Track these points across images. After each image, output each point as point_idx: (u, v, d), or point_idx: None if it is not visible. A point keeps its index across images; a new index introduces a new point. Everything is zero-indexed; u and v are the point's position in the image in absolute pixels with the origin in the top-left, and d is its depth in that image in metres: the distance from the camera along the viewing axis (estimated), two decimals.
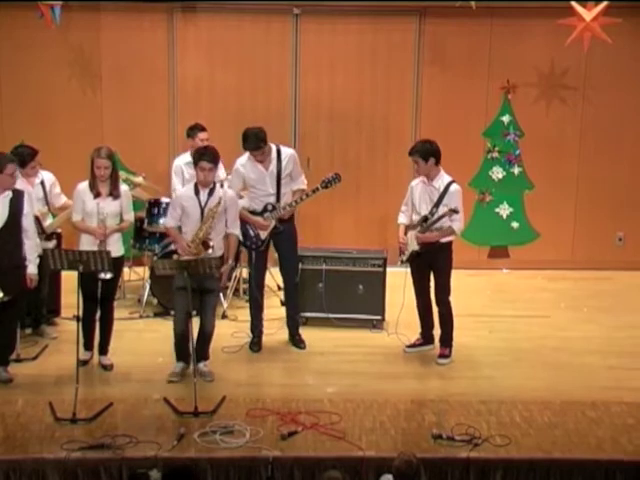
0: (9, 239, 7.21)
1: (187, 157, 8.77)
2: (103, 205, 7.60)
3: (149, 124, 10.37)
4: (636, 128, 10.52)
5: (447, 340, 8.07)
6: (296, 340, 8.38)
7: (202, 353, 7.62)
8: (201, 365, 7.60)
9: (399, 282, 8.16)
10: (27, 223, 7.31)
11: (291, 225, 8.25)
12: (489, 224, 10.71)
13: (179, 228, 7.65)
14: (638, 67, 10.37)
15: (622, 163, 10.58)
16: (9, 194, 7.22)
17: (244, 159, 8.13)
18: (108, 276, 7.35)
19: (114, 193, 7.66)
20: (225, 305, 9.07)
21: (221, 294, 8.66)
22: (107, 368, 7.79)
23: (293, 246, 8.32)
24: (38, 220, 7.81)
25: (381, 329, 8.72)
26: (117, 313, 8.12)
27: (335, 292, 8.74)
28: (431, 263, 7.95)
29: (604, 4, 9.08)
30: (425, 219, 7.83)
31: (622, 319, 9.10)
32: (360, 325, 8.75)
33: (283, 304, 8.81)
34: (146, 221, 9.13)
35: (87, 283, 7.46)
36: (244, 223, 8.10)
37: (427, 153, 7.79)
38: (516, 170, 10.63)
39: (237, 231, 7.76)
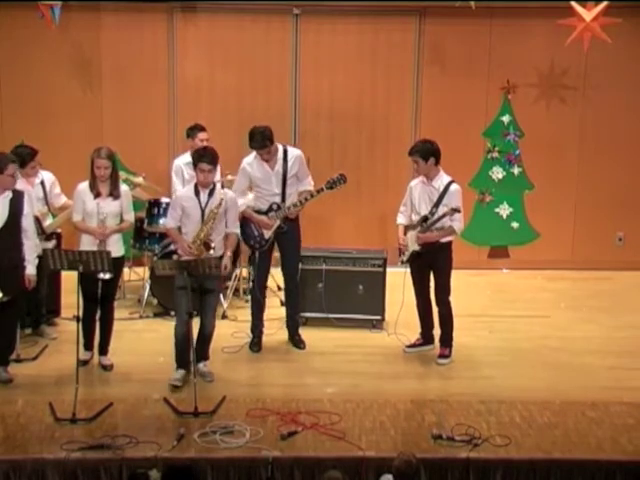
0: (8, 239, 7.21)
1: (187, 157, 8.75)
2: (103, 205, 7.60)
3: (149, 124, 10.37)
4: (636, 128, 10.52)
5: (447, 340, 8.07)
6: (296, 340, 8.38)
7: (202, 353, 7.62)
8: (201, 365, 7.60)
9: (399, 282, 8.16)
10: (27, 223, 7.31)
11: (295, 225, 8.24)
12: (489, 224, 10.71)
13: (179, 229, 7.65)
14: (638, 67, 10.37)
15: (622, 163, 10.58)
16: (9, 194, 7.22)
17: (251, 158, 8.13)
18: (107, 276, 7.35)
19: (114, 193, 7.66)
20: (225, 305, 9.06)
21: (221, 294, 8.66)
22: (107, 368, 7.79)
23: (296, 246, 8.31)
24: (38, 220, 7.81)
25: (381, 329, 8.72)
26: (117, 313, 8.12)
27: (335, 292, 8.74)
28: (431, 263, 7.95)
29: (604, 4, 9.08)
30: (425, 219, 7.83)
31: (622, 319, 9.10)
32: (360, 325, 8.75)
33: (283, 304, 8.81)
34: (146, 221, 9.12)
35: (87, 283, 7.46)
36: (248, 222, 8.12)
37: (427, 153, 7.79)
38: (516, 170, 10.63)
39: (237, 230, 7.76)
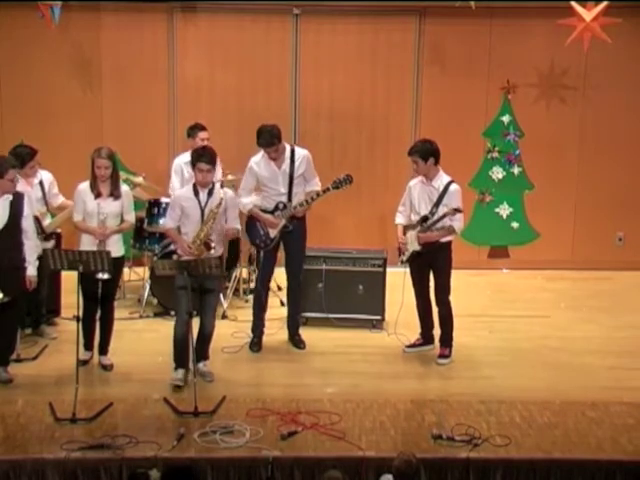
0: (9, 241, 7.21)
1: (187, 156, 8.71)
2: (104, 205, 7.60)
3: (149, 124, 10.37)
4: (636, 128, 10.51)
5: (447, 340, 8.07)
6: (296, 340, 8.37)
7: (202, 353, 7.62)
8: (201, 365, 7.60)
9: (399, 282, 8.15)
10: (27, 224, 7.32)
11: (302, 225, 8.22)
12: (489, 224, 10.71)
13: (178, 229, 7.65)
14: (638, 67, 10.37)
15: (622, 163, 10.58)
16: (9, 196, 7.22)
17: (258, 157, 8.13)
18: (106, 276, 7.33)
19: (115, 193, 7.66)
20: (225, 305, 9.06)
21: (221, 294, 8.66)
22: (107, 368, 7.78)
23: (301, 245, 8.30)
24: (38, 220, 7.81)
25: (381, 329, 8.72)
26: (117, 313, 8.11)
27: (335, 292, 8.74)
28: (431, 263, 7.95)
29: (604, 4, 9.07)
30: (425, 219, 7.83)
31: (622, 319, 9.10)
32: (360, 325, 8.75)
33: (283, 304, 8.81)
34: (146, 221, 9.11)
35: (87, 283, 7.46)
36: (254, 221, 8.12)
37: (427, 153, 7.79)
38: (516, 170, 10.63)
39: (238, 226, 7.76)
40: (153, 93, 10.37)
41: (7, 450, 6.43)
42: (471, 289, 9.77)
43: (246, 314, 8.58)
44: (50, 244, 7.99)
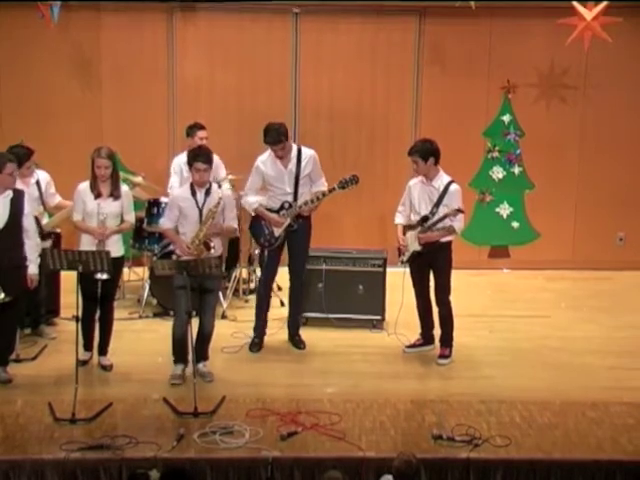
0: (10, 239, 7.20)
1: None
2: (104, 206, 7.59)
3: (149, 124, 10.37)
4: (637, 127, 10.51)
5: (447, 340, 8.06)
6: (296, 340, 8.36)
7: (201, 353, 7.61)
8: (200, 365, 7.59)
9: (399, 282, 8.14)
10: (28, 223, 7.30)
11: (307, 224, 8.20)
12: (489, 224, 10.70)
13: (176, 229, 7.64)
14: (638, 66, 10.36)
15: (623, 162, 10.57)
16: (10, 194, 7.21)
17: (265, 156, 8.12)
18: (105, 276, 7.31)
19: (115, 193, 7.65)
20: (225, 305, 9.05)
21: (221, 294, 8.65)
22: (106, 368, 7.78)
23: (305, 245, 8.28)
24: (37, 220, 7.80)
25: (381, 329, 8.71)
26: (117, 313, 8.11)
27: (335, 292, 8.73)
28: (431, 263, 7.94)
29: (604, 4, 9.06)
30: (425, 219, 7.82)
31: (622, 319, 9.09)
32: (360, 325, 8.74)
33: (283, 304, 8.81)
34: (145, 221, 9.11)
35: (87, 283, 7.44)
36: (259, 220, 8.12)
37: (427, 153, 7.77)
38: (516, 170, 10.62)
39: (235, 225, 7.77)
40: (153, 93, 10.36)
41: (6, 450, 6.42)
42: (471, 289, 9.77)
43: (246, 314, 8.57)
44: (47, 243, 7.98)
